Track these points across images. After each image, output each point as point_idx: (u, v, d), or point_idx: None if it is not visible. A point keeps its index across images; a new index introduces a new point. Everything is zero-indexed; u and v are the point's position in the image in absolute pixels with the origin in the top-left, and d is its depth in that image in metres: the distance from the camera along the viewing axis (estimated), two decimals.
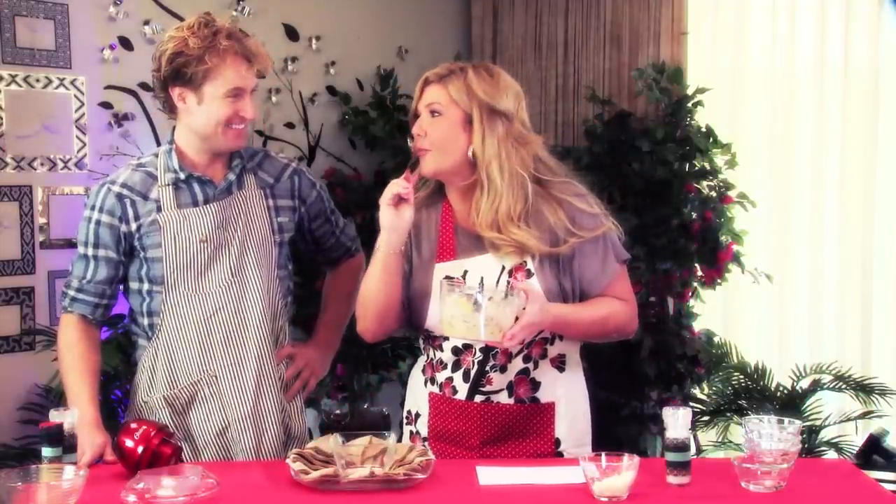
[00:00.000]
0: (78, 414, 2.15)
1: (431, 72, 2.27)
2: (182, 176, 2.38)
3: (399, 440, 2.32)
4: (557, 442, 2.25)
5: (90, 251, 2.40)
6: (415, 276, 2.27)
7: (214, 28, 2.29)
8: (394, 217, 2.16)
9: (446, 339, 2.24)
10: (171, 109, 2.39)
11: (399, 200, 2.16)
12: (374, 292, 2.23)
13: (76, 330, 2.40)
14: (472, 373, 2.22)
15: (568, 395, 2.26)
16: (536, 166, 2.24)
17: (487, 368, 2.22)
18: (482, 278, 2.16)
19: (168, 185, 2.38)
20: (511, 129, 2.22)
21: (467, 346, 2.23)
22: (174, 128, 2.42)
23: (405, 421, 2.38)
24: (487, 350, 2.21)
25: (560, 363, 2.26)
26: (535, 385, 2.24)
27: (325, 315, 2.64)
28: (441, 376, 2.26)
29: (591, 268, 2.22)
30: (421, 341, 2.35)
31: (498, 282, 2.20)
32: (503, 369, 2.22)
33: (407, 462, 2.01)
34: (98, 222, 2.38)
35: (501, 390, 2.22)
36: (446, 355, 2.25)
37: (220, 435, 2.40)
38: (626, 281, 2.29)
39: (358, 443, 2.05)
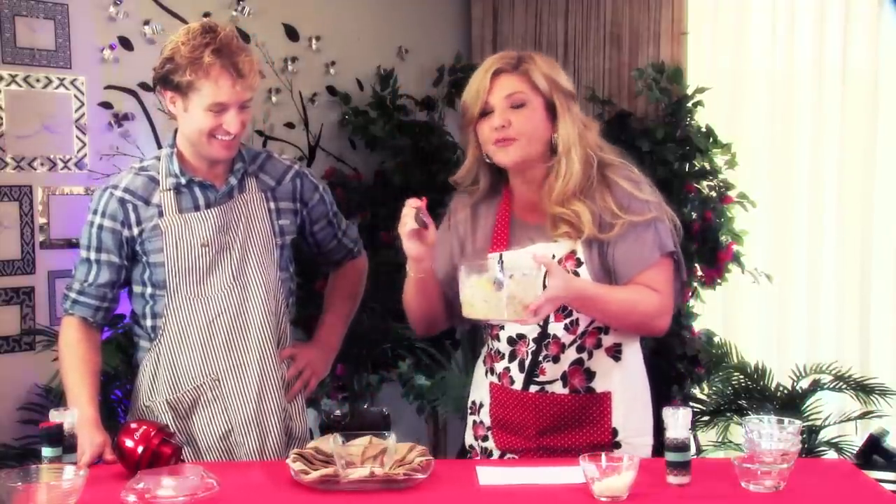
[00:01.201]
0: (78, 414, 2.15)
1: (497, 61, 2.22)
2: (183, 180, 2.38)
3: (464, 430, 2.38)
4: (615, 432, 2.23)
5: (92, 255, 2.40)
6: None
7: (207, 39, 2.26)
8: (417, 247, 2.15)
9: (502, 328, 2.24)
10: (169, 111, 2.39)
11: (418, 232, 2.13)
12: (414, 306, 2.29)
13: (77, 332, 2.40)
14: (527, 363, 2.23)
15: (625, 385, 2.24)
16: (598, 148, 2.25)
17: (540, 359, 2.22)
18: (500, 255, 2.11)
19: (169, 189, 2.38)
20: (578, 111, 2.24)
21: (521, 336, 2.23)
22: (176, 130, 2.43)
23: (469, 411, 2.39)
24: (540, 340, 2.21)
25: (616, 352, 2.23)
26: (590, 375, 2.22)
27: (327, 316, 2.65)
28: (499, 366, 2.28)
29: (627, 252, 2.18)
30: (482, 331, 2.36)
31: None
32: (556, 360, 2.21)
33: (407, 462, 2.01)
34: (100, 227, 2.38)
35: (556, 380, 2.22)
36: (503, 345, 2.26)
37: (223, 438, 2.40)
38: (665, 273, 2.21)
39: (358, 443, 2.05)
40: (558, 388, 2.22)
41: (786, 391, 3.87)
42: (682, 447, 1.97)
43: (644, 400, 2.29)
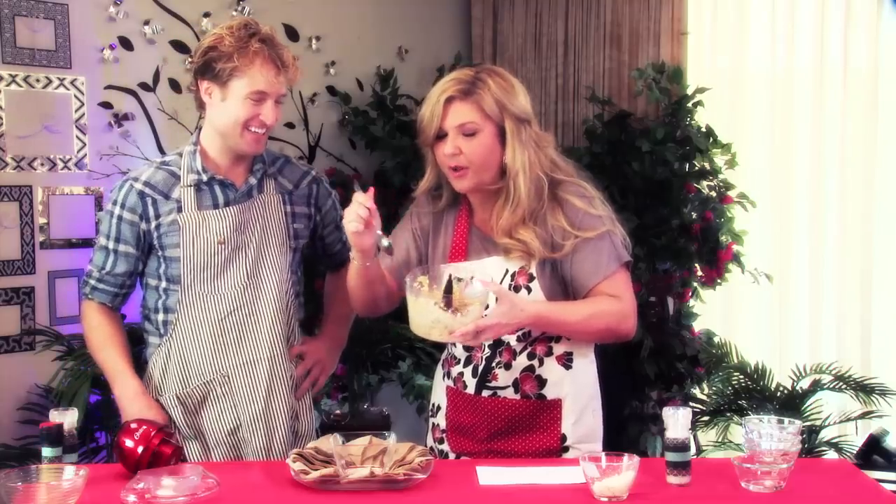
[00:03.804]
0: (121, 386, 2.32)
1: (450, 87, 2.20)
2: (204, 178, 2.41)
3: (426, 433, 2.40)
4: (563, 437, 2.26)
5: (111, 244, 2.44)
6: None
7: (252, 31, 2.33)
8: (363, 241, 2.15)
9: None
10: (199, 105, 2.42)
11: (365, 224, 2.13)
12: (357, 291, 2.30)
13: (99, 315, 2.48)
14: (480, 368, 2.27)
15: (575, 392, 2.28)
16: (552, 167, 2.25)
17: (493, 365, 2.25)
18: (450, 275, 2.13)
19: (190, 185, 2.41)
20: (531, 133, 2.23)
21: None
22: (200, 128, 2.46)
23: (429, 413, 2.43)
24: (495, 347, 2.25)
25: (567, 360, 2.27)
26: (542, 382, 2.26)
27: (332, 311, 2.68)
28: (455, 371, 2.32)
29: (584, 266, 2.21)
30: None
31: (501, 283, 2.21)
32: (508, 366, 2.25)
33: (407, 462, 2.01)
34: (120, 217, 2.42)
35: (508, 386, 2.26)
36: (459, 351, 2.31)
37: (231, 434, 2.43)
38: (623, 281, 2.24)
39: (358, 443, 2.05)
40: (510, 394, 2.26)
41: (786, 391, 3.87)
42: (682, 447, 1.97)
43: (594, 407, 2.33)
